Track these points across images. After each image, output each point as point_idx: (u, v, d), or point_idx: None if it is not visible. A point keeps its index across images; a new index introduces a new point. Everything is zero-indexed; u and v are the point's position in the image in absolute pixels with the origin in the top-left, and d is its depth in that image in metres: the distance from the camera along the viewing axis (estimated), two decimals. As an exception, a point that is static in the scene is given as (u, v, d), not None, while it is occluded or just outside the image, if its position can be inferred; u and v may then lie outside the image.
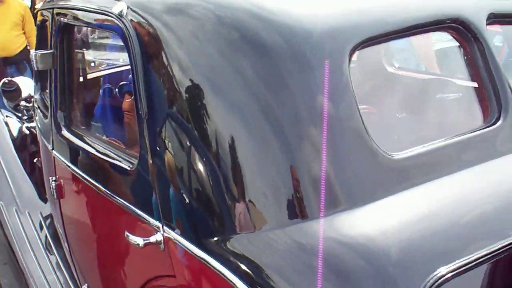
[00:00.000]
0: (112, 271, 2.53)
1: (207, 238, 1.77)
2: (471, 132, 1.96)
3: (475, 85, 2.09)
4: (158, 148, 1.90)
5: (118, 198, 2.17)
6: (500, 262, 1.70)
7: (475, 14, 2.07)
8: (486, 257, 1.65)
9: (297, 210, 1.70)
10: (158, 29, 1.91)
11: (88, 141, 2.49)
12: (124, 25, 1.99)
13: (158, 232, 1.94)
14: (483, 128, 1.98)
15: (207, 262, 1.73)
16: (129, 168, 2.08)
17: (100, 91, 3.49)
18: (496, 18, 2.13)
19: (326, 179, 1.71)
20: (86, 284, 2.90)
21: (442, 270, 1.58)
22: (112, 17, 2.07)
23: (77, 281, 3.08)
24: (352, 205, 1.70)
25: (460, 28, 2.04)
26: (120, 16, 2.02)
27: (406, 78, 3.32)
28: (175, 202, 1.87)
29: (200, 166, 1.79)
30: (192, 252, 1.80)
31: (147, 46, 1.94)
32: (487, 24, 2.09)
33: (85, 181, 2.43)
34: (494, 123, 2.00)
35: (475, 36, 2.05)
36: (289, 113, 1.73)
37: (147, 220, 1.99)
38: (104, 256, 2.58)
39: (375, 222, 1.68)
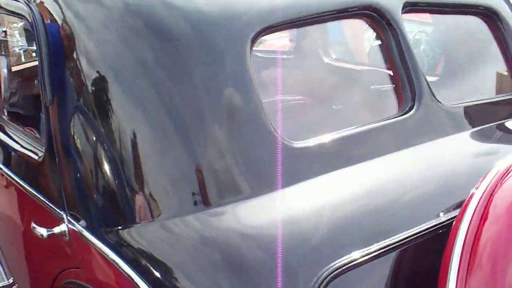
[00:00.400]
0: (30, 263, 2.47)
1: (107, 228, 1.73)
2: (383, 121, 1.94)
3: (392, 74, 2.06)
4: (62, 138, 1.85)
5: (29, 188, 2.11)
6: (407, 251, 1.68)
7: (390, 2, 2.04)
8: (387, 248, 1.62)
9: (195, 198, 1.67)
10: (66, 16, 1.85)
11: (5, 129, 2.43)
12: (31, 10, 1.93)
13: (62, 223, 1.89)
14: (396, 117, 1.96)
15: (104, 253, 1.69)
16: (37, 158, 2.03)
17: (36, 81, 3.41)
18: (412, 7, 2.11)
19: (226, 167, 1.68)
20: (12, 277, 2.83)
21: (341, 261, 1.55)
22: (20, 1, 2.00)
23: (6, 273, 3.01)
24: (252, 193, 1.67)
25: (374, 16, 2.02)
26: (28, 1, 1.96)
27: (334, 69, 3.30)
28: (78, 193, 1.82)
29: (102, 156, 1.74)
30: (92, 243, 1.75)
31: (53, 33, 1.88)
32: (403, 12, 2.07)
33: (1, 171, 2.37)
34: (407, 112, 1.98)
35: (390, 24, 2.02)
36: (188, 102, 1.69)
37: (53, 210, 1.94)
38: (23, 248, 2.52)
39: (276, 211, 1.65)
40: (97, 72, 1.76)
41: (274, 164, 1.71)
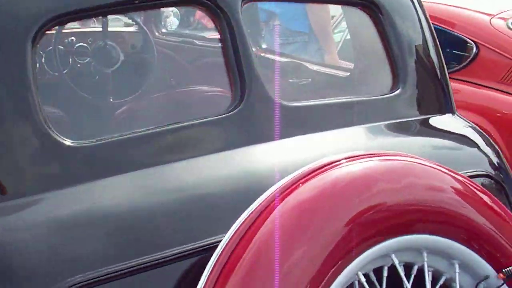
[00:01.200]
0: None
1: None
2: (197, 120, 1.80)
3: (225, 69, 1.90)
4: None
5: None
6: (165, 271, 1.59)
7: None
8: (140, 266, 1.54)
9: None
10: None
11: None
12: None
13: None
14: (215, 116, 1.82)
15: None
16: None
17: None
18: None
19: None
20: None
21: (87, 275, 1.48)
22: None
23: None
24: (16, 193, 1.57)
25: (210, 5, 1.86)
26: None
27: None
28: None
29: None
30: None
31: None
32: (245, 3, 1.90)
33: None
34: (231, 111, 1.82)
35: (226, 14, 1.86)
36: None
37: None
38: None
39: (38, 214, 1.56)
40: None
41: (42, 163, 1.61)
